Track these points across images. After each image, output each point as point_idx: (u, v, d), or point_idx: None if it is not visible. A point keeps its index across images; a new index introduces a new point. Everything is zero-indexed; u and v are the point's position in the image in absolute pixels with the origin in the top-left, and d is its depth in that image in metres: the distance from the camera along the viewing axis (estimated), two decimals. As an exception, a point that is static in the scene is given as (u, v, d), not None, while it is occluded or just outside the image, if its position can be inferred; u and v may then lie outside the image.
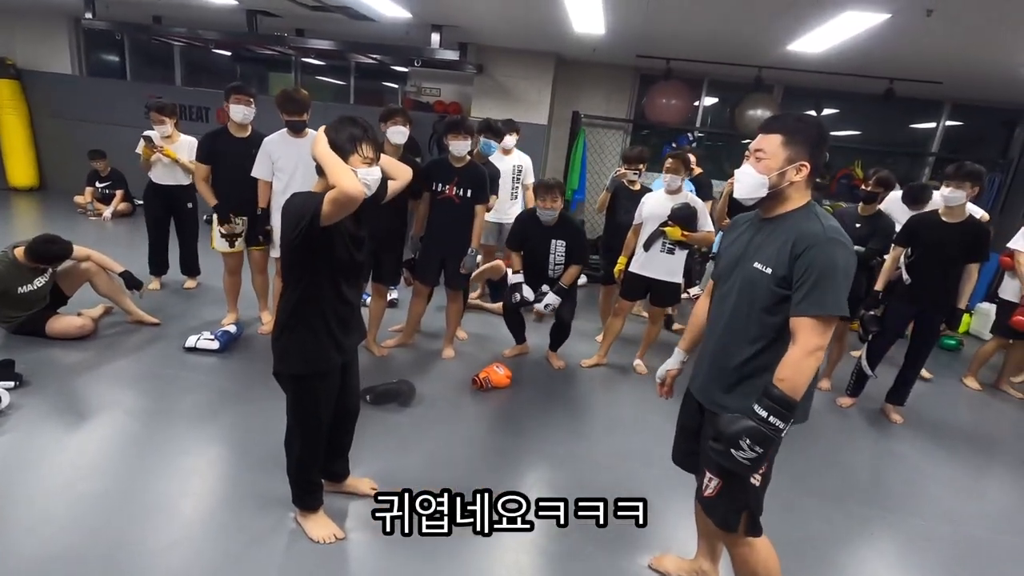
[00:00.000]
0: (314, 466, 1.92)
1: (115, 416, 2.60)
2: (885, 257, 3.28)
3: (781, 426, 1.29)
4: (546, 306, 3.28)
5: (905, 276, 3.20)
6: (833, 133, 7.24)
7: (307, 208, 1.59)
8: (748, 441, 1.28)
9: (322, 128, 1.71)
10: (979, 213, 3.42)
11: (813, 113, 1.34)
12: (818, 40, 4.20)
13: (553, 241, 3.35)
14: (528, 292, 3.31)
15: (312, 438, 1.86)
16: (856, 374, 3.45)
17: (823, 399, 3.56)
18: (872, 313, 3.24)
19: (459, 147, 3.15)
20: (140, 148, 3.96)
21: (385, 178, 1.88)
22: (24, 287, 3.11)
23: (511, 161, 4.53)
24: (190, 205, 4.23)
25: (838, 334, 3.74)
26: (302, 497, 1.95)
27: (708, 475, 1.50)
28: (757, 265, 1.41)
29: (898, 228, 3.31)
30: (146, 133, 3.95)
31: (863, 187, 3.47)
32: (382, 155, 1.82)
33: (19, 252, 3.09)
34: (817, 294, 1.29)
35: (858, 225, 3.40)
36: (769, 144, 1.41)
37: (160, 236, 4.23)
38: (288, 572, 1.81)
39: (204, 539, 1.92)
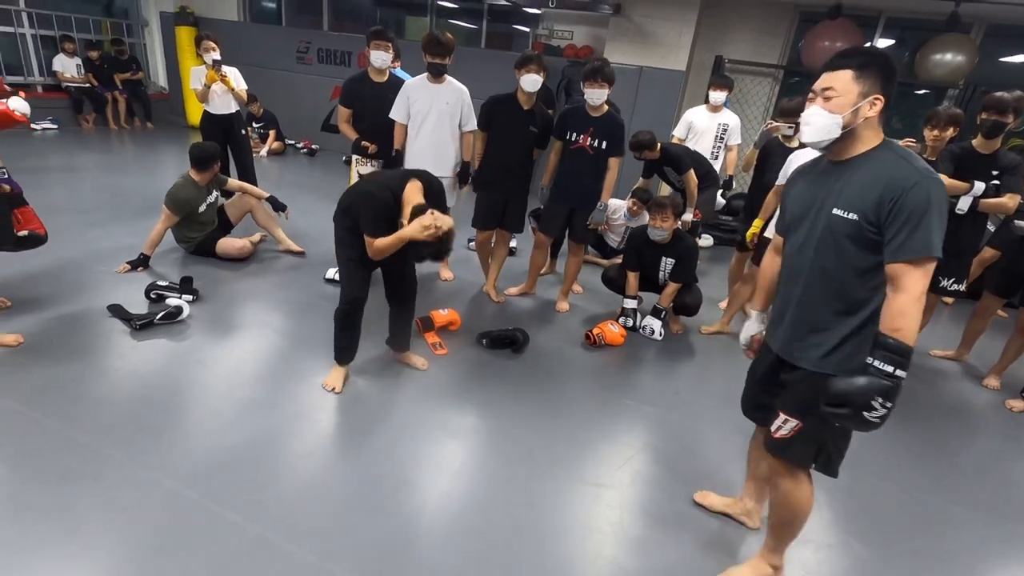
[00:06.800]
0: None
1: (266, 334, 2.95)
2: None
3: (903, 376, 1.26)
4: (651, 334, 3.36)
5: None
6: (1050, 83, 5.96)
7: (375, 222, 2.19)
8: (881, 400, 1.24)
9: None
10: None
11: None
12: (1047, -36, 3.39)
13: (664, 259, 3.34)
14: (638, 320, 3.40)
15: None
16: (1038, 374, 2.94)
17: (988, 399, 3.09)
18: (1073, 305, 2.70)
19: (596, 95, 3.01)
20: (200, 78, 4.24)
21: None
22: (201, 206, 3.61)
23: (717, 119, 4.41)
24: (244, 132, 4.57)
25: (1020, 324, 3.18)
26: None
27: (784, 416, 1.50)
28: (838, 211, 1.36)
29: None
30: (206, 62, 4.22)
31: None
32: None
33: (192, 172, 3.57)
34: (918, 236, 1.26)
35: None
36: (839, 81, 1.34)
37: (221, 161, 4.44)
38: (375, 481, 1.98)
39: (333, 451, 2.14)
